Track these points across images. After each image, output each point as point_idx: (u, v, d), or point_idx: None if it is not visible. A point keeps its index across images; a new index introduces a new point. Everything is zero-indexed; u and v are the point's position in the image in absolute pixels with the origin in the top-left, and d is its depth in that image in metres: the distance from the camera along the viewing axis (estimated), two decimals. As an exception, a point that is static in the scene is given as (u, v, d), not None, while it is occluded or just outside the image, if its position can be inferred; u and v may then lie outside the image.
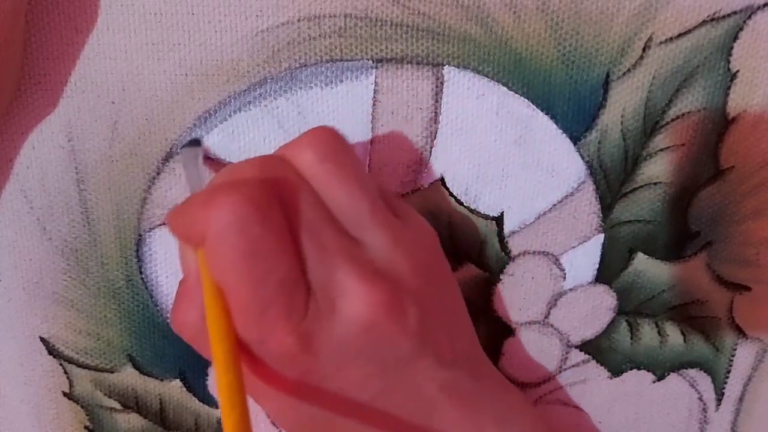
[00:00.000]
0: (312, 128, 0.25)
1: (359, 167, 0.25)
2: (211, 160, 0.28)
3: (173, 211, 0.24)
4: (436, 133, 0.28)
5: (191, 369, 0.31)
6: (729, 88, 0.28)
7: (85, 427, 0.33)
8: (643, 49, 0.27)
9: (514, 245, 0.30)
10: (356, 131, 0.28)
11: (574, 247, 0.30)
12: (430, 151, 0.29)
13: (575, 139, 0.28)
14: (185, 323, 0.25)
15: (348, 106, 0.28)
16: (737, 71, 0.28)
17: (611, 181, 0.29)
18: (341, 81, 0.28)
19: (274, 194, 0.23)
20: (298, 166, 0.24)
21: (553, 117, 0.28)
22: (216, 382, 0.21)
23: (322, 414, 0.24)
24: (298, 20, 0.27)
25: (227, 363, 0.21)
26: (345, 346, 0.23)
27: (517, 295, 0.30)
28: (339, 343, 0.23)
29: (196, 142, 0.28)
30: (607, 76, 0.28)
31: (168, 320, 0.31)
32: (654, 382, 0.32)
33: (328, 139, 0.25)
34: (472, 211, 0.29)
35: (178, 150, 0.28)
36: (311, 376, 0.24)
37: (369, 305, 0.23)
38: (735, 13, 0.27)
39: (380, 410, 0.24)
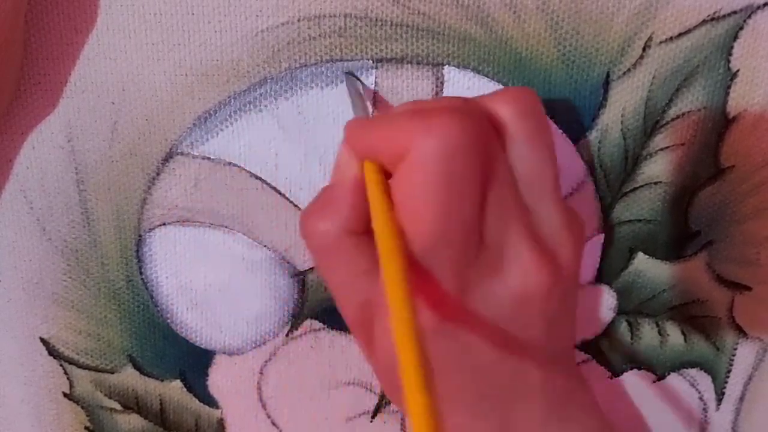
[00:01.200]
0: (512, 87, 0.24)
1: (553, 137, 0.24)
2: (369, 92, 0.28)
3: (354, 121, 0.24)
4: (436, 132, 0.28)
5: (191, 369, 0.31)
6: (729, 87, 0.28)
7: (86, 428, 0.32)
8: (644, 49, 0.27)
9: (515, 245, 0.30)
10: (356, 131, 0.28)
11: (574, 247, 0.30)
12: (431, 151, 0.29)
13: (575, 139, 0.28)
14: (318, 232, 0.24)
15: (348, 106, 0.28)
16: (737, 70, 0.27)
17: (611, 180, 0.29)
18: (341, 81, 0.28)
19: (482, 134, 0.22)
20: (497, 118, 0.23)
21: (553, 117, 0.28)
22: (387, 290, 0.20)
23: (446, 355, 0.23)
24: (298, 20, 0.27)
25: (399, 276, 0.20)
26: (494, 307, 0.23)
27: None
28: (490, 302, 0.23)
29: (353, 74, 0.27)
30: (608, 75, 0.28)
31: (169, 320, 0.31)
32: (654, 381, 0.32)
33: (531, 99, 0.24)
34: (472, 210, 0.29)
35: (344, 74, 0.28)
36: (451, 321, 0.23)
37: (534, 278, 0.23)
38: (735, 12, 0.27)
39: (488, 378, 0.24)
